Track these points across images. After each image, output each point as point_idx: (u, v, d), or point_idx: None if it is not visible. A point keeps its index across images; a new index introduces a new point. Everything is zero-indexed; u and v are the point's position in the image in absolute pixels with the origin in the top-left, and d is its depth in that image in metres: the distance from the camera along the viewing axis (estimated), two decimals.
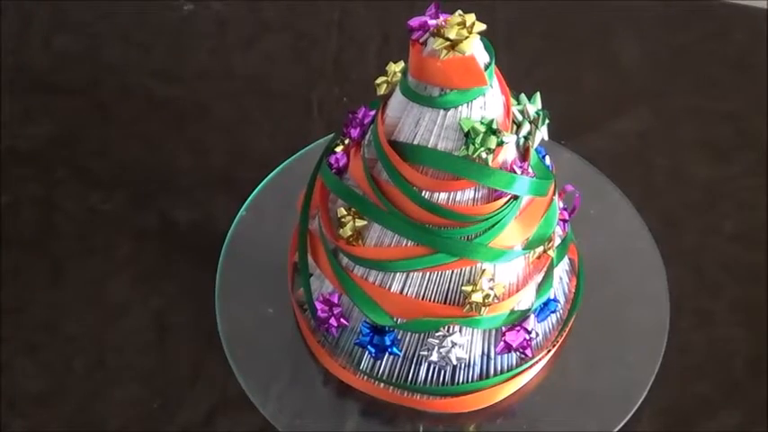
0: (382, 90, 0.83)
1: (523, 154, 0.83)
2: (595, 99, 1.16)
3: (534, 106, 0.82)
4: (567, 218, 0.93)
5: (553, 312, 0.91)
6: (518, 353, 0.88)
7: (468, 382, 0.89)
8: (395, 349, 0.87)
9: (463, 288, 0.84)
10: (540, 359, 0.91)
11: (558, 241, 0.90)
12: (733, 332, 1.01)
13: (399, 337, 0.87)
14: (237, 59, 1.20)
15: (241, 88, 1.17)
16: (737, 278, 1.04)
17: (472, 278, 0.84)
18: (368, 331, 0.87)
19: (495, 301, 0.84)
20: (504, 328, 0.87)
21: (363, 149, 0.85)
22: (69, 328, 1.00)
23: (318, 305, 0.89)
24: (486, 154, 0.78)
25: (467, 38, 0.76)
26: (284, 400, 0.91)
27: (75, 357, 0.98)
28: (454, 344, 0.86)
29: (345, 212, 0.85)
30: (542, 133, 0.82)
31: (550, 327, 0.93)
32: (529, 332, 0.87)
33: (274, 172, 1.03)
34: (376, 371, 0.89)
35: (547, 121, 0.82)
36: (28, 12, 1.23)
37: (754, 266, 1.04)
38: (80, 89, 1.16)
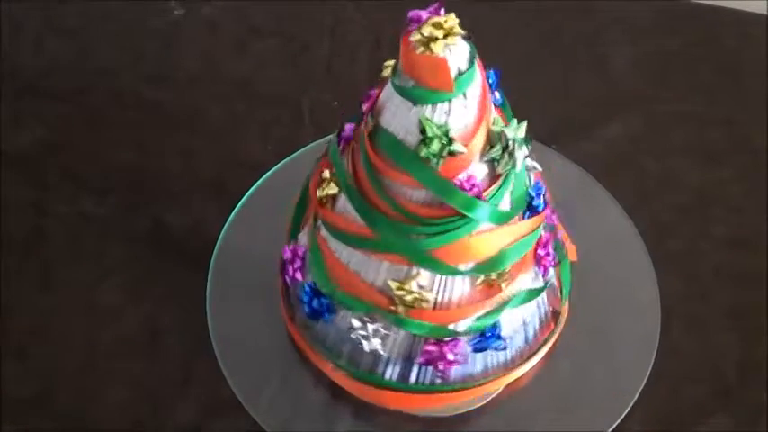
0: (387, 72, 0.83)
1: (493, 177, 0.81)
2: (586, 104, 1.17)
3: (513, 131, 0.81)
4: (551, 264, 0.89)
5: (496, 350, 0.88)
6: (437, 372, 0.87)
7: (386, 377, 0.88)
8: (326, 316, 0.87)
9: (390, 281, 0.83)
10: (475, 387, 0.89)
11: (527, 283, 0.87)
12: (724, 337, 1.01)
13: (336, 309, 0.87)
14: (228, 64, 1.20)
15: (232, 93, 1.17)
16: (729, 283, 1.04)
17: (405, 276, 0.83)
18: (309, 290, 0.88)
19: (421, 306, 0.83)
20: (432, 340, 0.85)
21: (364, 124, 0.85)
22: (60, 332, 1.00)
23: (287, 250, 0.90)
24: (436, 159, 0.78)
25: (437, 39, 0.76)
26: (275, 403, 0.90)
27: (66, 361, 0.98)
28: (377, 332, 0.85)
29: (328, 176, 0.85)
30: (516, 160, 0.80)
31: (506, 358, 0.90)
32: (454, 354, 0.85)
33: (265, 176, 1.03)
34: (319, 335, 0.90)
35: (525, 151, 0.80)
36: (19, 16, 1.23)
37: (746, 271, 1.04)
38: (71, 94, 1.16)
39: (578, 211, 0.96)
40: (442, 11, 0.77)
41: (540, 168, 0.86)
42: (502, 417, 0.92)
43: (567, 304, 0.93)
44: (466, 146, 0.78)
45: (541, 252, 0.87)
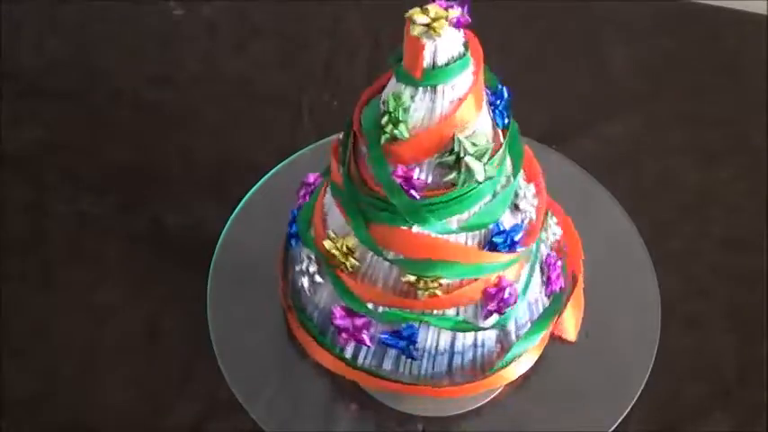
0: None
1: (445, 185, 0.80)
2: (586, 103, 1.16)
3: (473, 147, 0.78)
4: (494, 309, 0.84)
5: (404, 354, 0.86)
6: (341, 340, 0.87)
7: (312, 321, 0.90)
8: (293, 242, 0.90)
9: (331, 232, 0.84)
10: (374, 377, 0.88)
11: (465, 313, 0.85)
12: (724, 337, 1.01)
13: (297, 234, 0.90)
14: (228, 64, 1.20)
15: (231, 93, 1.17)
16: (728, 282, 1.04)
17: (341, 235, 0.84)
18: (293, 215, 0.91)
19: (345, 269, 0.84)
20: (348, 307, 0.86)
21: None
22: (59, 333, 1.00)
23: (311, 176, 0.92)
24: (384, 135, 0.77)
25: (417, 24, 0.75)
26: (275, 403, 0.90)
27: (65, 362, 0.98)
28: (312, 274, 0.87)
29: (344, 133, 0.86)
30: (470, 176, 0.79)
31: (419, 372, 0.88)
32: (360, 332, 0.85)
33: (265, 177, 1.03)
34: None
35: (481, 173, 0.78)
36: (19, 16, 1.23)
37: (745, 271, 1.04)
38: (71, 93, 1.16)
39: (578, 211, 0.96)
40: (463, 9, 0.76)
41: (534, 218, 0.85)
42: (502, 416, 0.92)
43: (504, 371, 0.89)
44: (413, 136, 0.78)
45: (492, 291, 0.84)
